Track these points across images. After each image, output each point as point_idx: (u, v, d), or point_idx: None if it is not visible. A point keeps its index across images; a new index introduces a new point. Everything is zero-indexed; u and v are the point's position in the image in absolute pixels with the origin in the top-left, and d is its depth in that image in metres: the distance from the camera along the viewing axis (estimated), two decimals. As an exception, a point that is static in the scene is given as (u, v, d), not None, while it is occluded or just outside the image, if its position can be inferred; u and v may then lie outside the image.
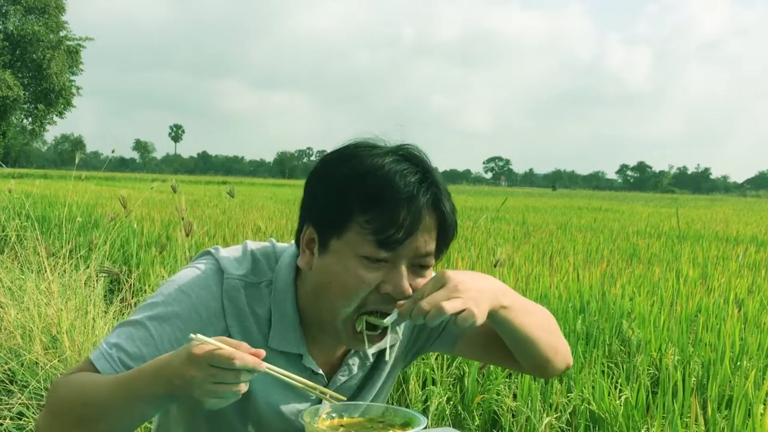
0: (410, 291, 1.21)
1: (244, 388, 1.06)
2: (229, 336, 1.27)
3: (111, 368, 1.22)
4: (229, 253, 1.34)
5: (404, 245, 1.18)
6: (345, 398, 1.30)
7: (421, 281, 1.23)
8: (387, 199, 1.16)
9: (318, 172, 1.26)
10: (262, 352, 1.06)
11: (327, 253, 1.23)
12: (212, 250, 1.35)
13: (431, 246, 1.21)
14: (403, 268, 1.20)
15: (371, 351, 1.39)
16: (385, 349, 1.40)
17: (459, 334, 1.46)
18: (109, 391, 1.14)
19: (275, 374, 1.13)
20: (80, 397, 1.18)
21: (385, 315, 1.23)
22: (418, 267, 1.22)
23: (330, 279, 1.22)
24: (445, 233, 1.22)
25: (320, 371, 1.35)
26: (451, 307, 1.14)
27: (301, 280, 1.31)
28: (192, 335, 1.05)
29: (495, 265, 3.65)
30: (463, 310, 1.15)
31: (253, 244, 1.37)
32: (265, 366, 1.07)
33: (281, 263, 1.33)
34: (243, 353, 1.04)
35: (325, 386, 1.37)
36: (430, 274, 1.25)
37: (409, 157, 1.22)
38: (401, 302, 1.20)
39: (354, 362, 1.39)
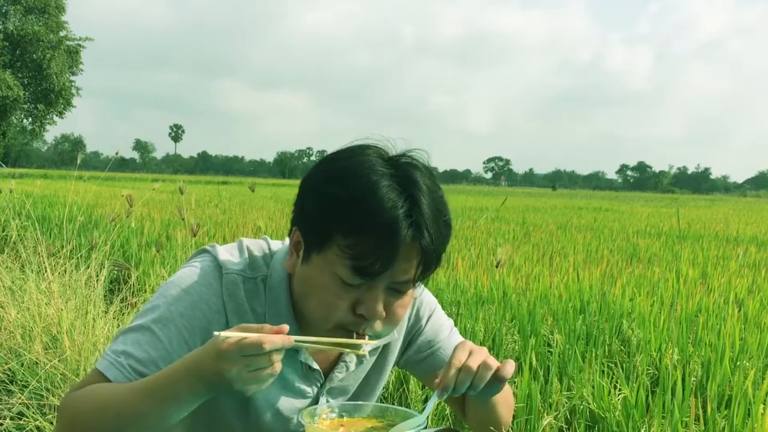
0: (383, 314, 1.21)
1: (278, 367, 1.08)
2: (225, 328, 1.27)
3: (123, 376, 1.22)
4: (226, 249, 1.35)
5: (380, 276, 1.18)
6: (377, 341, 1.30)
7: (397, 304, 1.23)
8: (368, 230, 1.16)
9: (312, 181, 1.25)
10: (286, 327, 1.07)
11: (308, 264, 1.24)
12: (209, 248, 1.35)
13: (410, 274, 1.21)
14: (379, 292, 1.20)
15: (368, 348, 1.39)
16: (381, 347, 1.43)
17: (441, 365, 1.47)
18: (141, 397, 1.14)
19: (306, 344, 1.16)
20: (106, 407, 1.17)
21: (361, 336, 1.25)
22: (395, 291, 1.22)
23: (309, 291, 1.24)
24: (427, 264, 1.21)
25: (316, 366, 1.35)
26: (493, 362, 1.22)
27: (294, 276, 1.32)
28: (216, 333, 1.06)
29: (496, 266, 3.65)
30: (502, 365, 1.24)
31: (248, 241, 1.38)
32: (293, 339, 1.08)
33: (276, 259, 1.34)
34: (269, 335, 1.05)
35: (322, 384, 1.38)
36: (410, 297, 1.26)
37: (403, 181, 1.19)
38: (437, 380, 1.23)
39: (351, 359, 1.40)
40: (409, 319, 1.50)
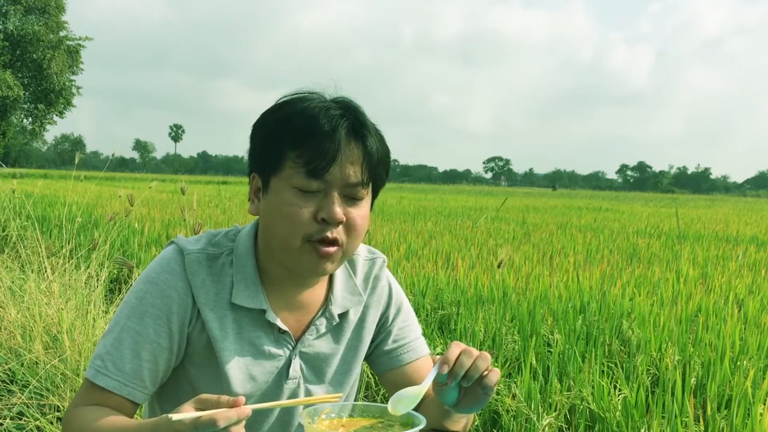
0: (342, 217, 1.30)
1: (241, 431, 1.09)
2: (194, 308, 1.35)
3: (112, 380, 1.31)
4: (191, 237, 1.44)
5: (330, 173, 1.28)
6: (341, 395, 1.33)
7: (354, 211, 1.32)
8: (312, 134, 1.27)
9: (256, 123, 1.37)
10: (242, 399, 1.09)
11: (269, 192, 1.33)
12: (174, 239, 1.43)
13: (359, 176, 1.30)
14: (335, 196, 1.30)
15: (337, 312, 1.46)
16: (349, 311, 1.49)
17: (398, 365, 1.53)
18: None
19: (262, 407, 1.18)
20: None
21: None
22: (350, 198, 1.32)
23: (274, 213, 1.32)
24: (372, 163, 1.32)
25: (285, 328, 1.40)
26: (488, 358, 1.27)
27: (259, 244, 1.40)
28: (170, 416, 1.07)
29: (498, 266, 3.65)
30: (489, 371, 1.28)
31: (214, 230, 1.47)
32: (249, 409, 1.10)
33: (242, 232, 1.43)
34: (224, 411, 1.06)
35: (294, 346, 1.43)
36: (365, 207, 1.35)
37: (337, 100, 1.33)
38: (436, 357, 1.27)
39: (321, 323, 1.45)
40: (387, 303, 1.55)
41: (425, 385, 1.26)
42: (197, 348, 1.37)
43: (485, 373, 1.26)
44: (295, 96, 1.34)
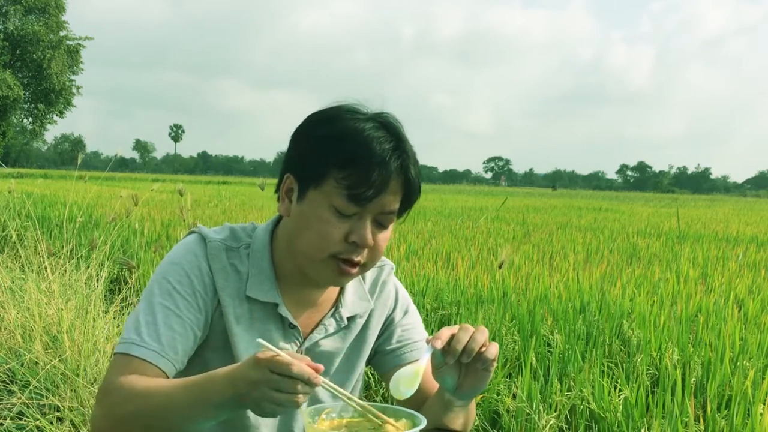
0: (372, 242, 1.34)
1: (302, 399, 1.11)
2: (215, 292, 1.39)
3: (149, 351, 1.31)
4: (211, 228, 1.48)
5: (372, 202, 1.31)
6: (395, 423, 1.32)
7: (381, 236, 1.37)
8: (362, 161, 1.29)
9: (303, 129, 1.39)
10: (321, 367, 1.12)
11: (304, 201, 1.36)
12: (194, 228, 1.48)
13: (395, 206, 1.35)
14: (368, 222, 1.33)
15: (346, 315, 1.49)
16: (357, 315, 1.52)
17: (401, 363, 1.53)
18: (176, 393, 1.22)
19: (331, 390, 1.21)
20: (148, 400, 1.24)
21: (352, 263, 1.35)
22: (380, 223, 1.36)
23: (305, 224, 1.35)
24: (409, 196, 1.36)
25: (295, 323, 1.44)
26: (485, 332, 1.31)
27: (276, 241, 1.44)
28: (258, 340, 1.12)
29: (499, 267, 3.65)
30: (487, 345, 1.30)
31: (233, 225, 1.51)
32: (322, 380, 1.12)
33: (259, 229, 1.47)
34: (302, 364, 1.09)
35: (302, 343, 1.46)
36: (390, 231, 1.40)
37: (386, 125, 1.34)
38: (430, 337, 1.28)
39: (330, 323, 1.49)
40: (393, 306, 1.58)
41: (422, 362, 1.26)
42: (216, 331, 1.40)
43: (483, 348, 1.27)
44: (345, 109, 1.36)
